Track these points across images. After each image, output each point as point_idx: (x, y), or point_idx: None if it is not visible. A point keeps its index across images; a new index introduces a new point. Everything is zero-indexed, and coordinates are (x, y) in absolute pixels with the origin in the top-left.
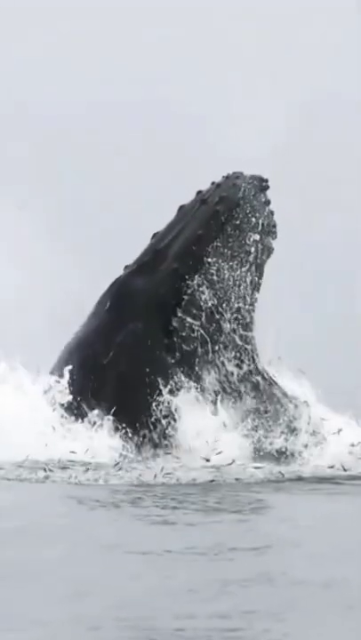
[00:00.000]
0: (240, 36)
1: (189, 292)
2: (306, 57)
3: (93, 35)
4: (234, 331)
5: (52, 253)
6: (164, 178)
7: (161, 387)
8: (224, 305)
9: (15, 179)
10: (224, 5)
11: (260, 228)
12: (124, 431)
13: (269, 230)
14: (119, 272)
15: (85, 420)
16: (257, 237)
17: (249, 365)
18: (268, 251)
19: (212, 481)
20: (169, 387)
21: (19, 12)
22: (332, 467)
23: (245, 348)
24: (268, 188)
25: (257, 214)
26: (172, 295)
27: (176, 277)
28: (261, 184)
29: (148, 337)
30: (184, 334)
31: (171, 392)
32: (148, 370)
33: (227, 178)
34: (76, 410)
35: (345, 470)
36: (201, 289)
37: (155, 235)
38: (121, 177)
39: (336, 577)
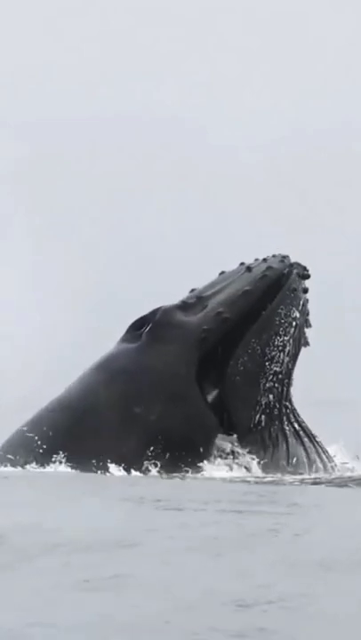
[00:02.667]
0: (240, 36)
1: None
2: (306, 57)
3: (92, 35)
4: (271, 390)
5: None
6: (163, 179)
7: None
8: (266, 362)
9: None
10: (224, 5)
11: (300, 307)
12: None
13: (306, 316)
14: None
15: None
16: (297, 315)
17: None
18: (305, 341)
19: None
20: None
21: (19, 16)
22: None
23: (282, 411)
24: (308, 276)
25: (299, 294)
26: (213, 333)
27: (219, 319)
28: (303, 271)
29: (181, 367)
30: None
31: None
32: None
33: (273, 256)
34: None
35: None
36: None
37: (192, 290)
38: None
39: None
